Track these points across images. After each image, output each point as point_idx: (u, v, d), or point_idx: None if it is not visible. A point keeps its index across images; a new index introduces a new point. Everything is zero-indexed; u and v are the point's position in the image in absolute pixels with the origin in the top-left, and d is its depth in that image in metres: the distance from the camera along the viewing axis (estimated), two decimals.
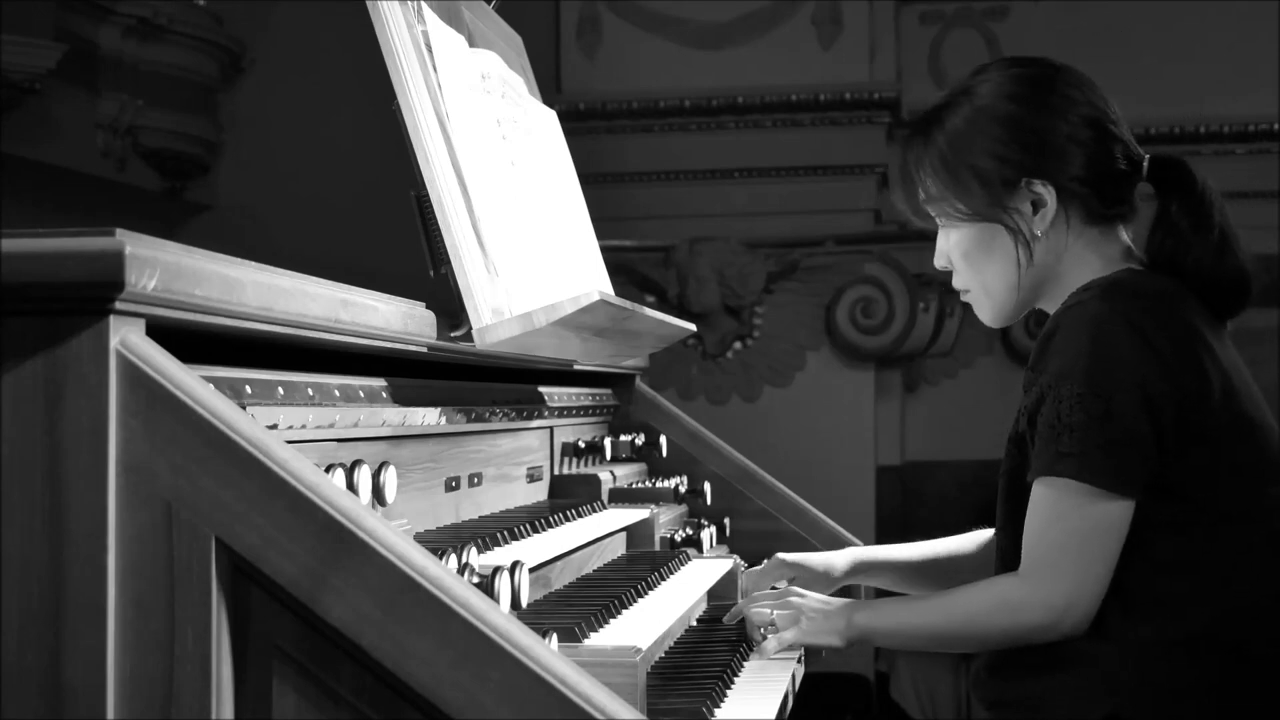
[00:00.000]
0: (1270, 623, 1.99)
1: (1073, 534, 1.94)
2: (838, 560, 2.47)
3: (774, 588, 2.41)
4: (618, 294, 2.47)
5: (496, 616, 1.22)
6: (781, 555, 2.48)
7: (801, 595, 2.26)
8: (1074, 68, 2.18)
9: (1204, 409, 1.97)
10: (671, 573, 2.45)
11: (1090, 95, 2.13)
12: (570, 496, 2.62)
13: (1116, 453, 1.93)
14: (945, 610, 2.09)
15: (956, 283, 2.23)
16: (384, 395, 1.83)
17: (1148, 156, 2.16)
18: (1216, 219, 2.11)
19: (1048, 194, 2.10)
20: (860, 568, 2.48)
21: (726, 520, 3.11)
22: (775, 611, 2.23)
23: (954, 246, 2.19)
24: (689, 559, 2.61)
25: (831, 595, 2.31)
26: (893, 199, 2.27)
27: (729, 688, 2.04)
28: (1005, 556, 2.11)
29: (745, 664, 2.20)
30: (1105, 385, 1.93)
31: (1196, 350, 2.00)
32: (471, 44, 2.52)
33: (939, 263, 2.24)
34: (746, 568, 2.79)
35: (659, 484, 2.96)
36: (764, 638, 2.22)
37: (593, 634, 1.87)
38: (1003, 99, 2.13)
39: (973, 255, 2.17)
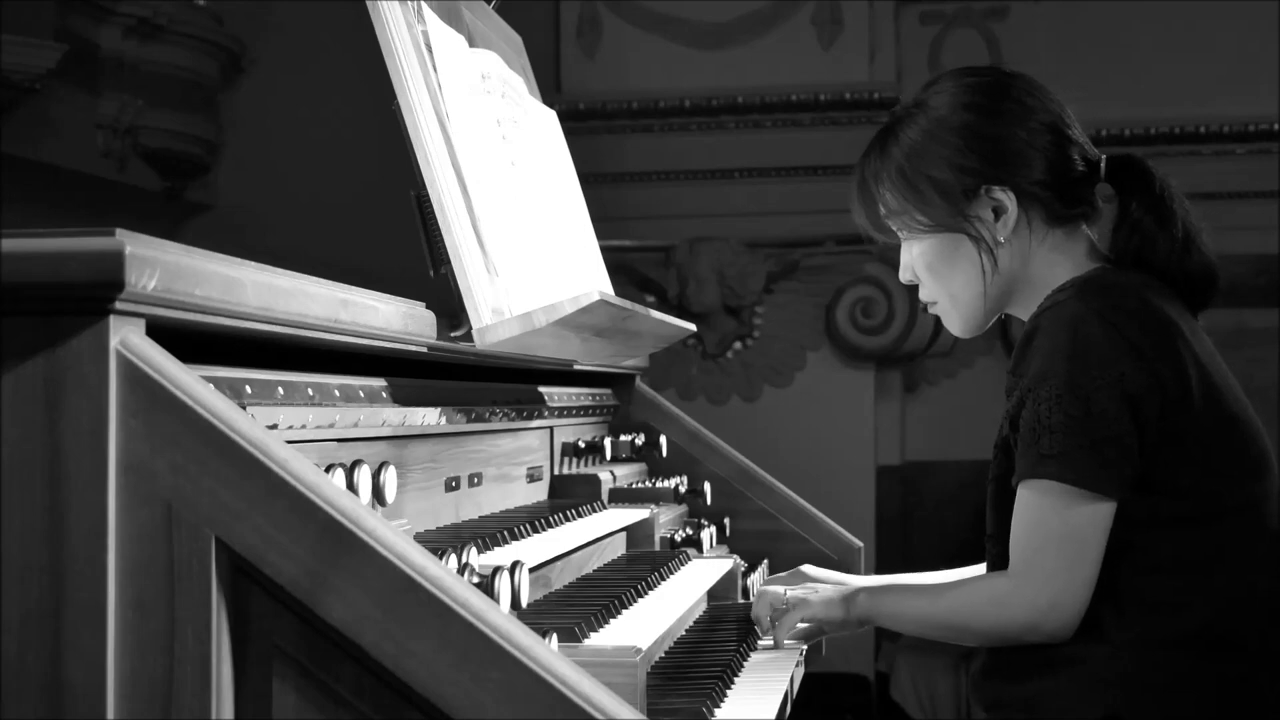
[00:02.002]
0: (1264, 618, 2.00)
1: (1057, 535, 1.95)
2: (857, 582, 2.49)
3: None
4: (618, 294, 2.47)
5: (496, 616, 1.22)
6: (805, 567, 2.51)
7: (814, 581, 2.37)
8: (1026, 74, 2.19)
9: (1185, 404, 1.97)
10: (671, 573, 2.45)
11: (1045, 100, 2.14)
12: (570, 496, 2.62)
13: (1098, 453, 1.93)
14: (938, 599, 2.12)
15: (923, 295, 2.24)
16: (384, 395, 1.83)
17: (1104, 156, 2.17)
18: (1179, 214, 2.12)
19: (1008, 200, 2.11)
20: None
21: (726, 520, 3.11)
22: (789, 591, 2.32)
23: (918, 259, 2.20)
24: (689, 559, 2.61)
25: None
26: (853, 216, 2.28)
27: (729, 687, 2.04)
28: (995, 562, 2.11)
29: (745, 663, 2.20)
30: (1084, 385, 1.93)
31: (1175, 344, 2.00)
32: (471, 44, 2.52)
33: (904, 276, 2.25)
34: (746, 568, 2.79)
35: (659, 484, 2.96)
36: (772, 625, 2.31)
37: (593, 634, 1.87)
38: (958, 109, 2.14)
39: (937, 267, 2.18)
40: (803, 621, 2.29)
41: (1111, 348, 1.95)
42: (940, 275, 2.18)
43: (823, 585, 2.35)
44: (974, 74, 2.21)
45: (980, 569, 2.29)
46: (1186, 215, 2.12)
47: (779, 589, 2.35)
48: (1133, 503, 1.96)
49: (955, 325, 2.23)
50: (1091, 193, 2.16)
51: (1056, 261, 2.12)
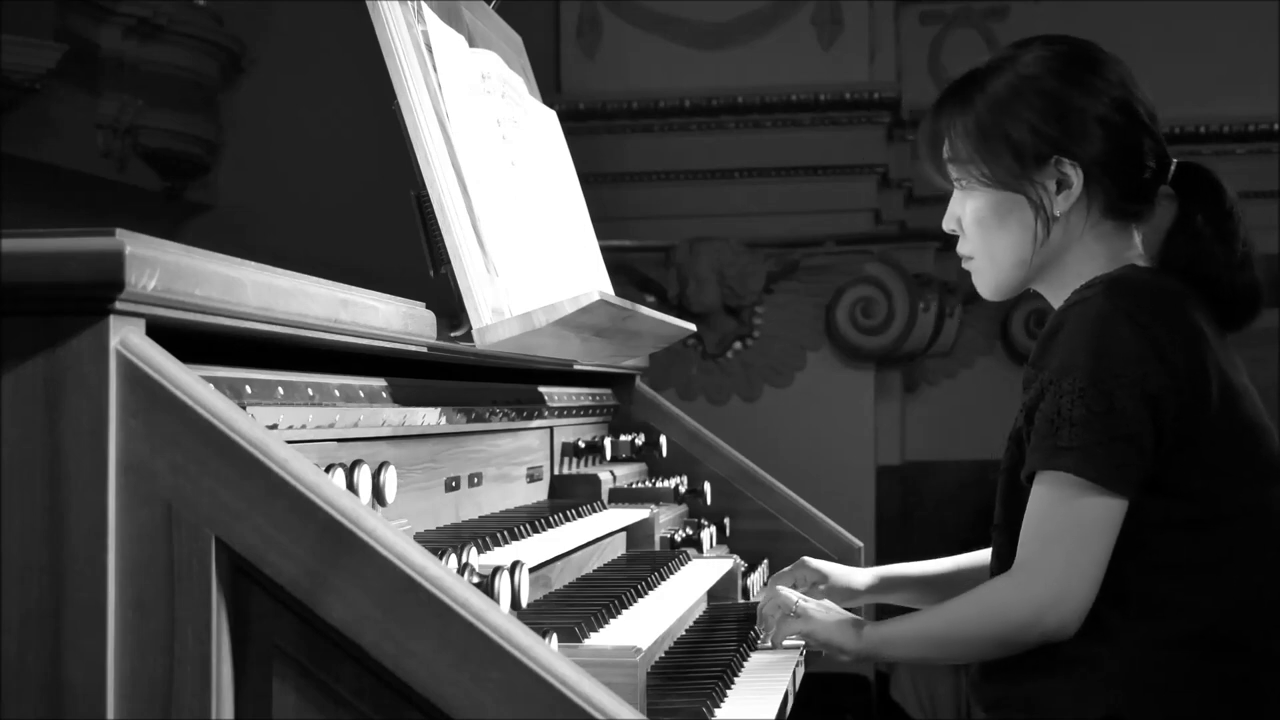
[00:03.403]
0: (1269, 620, 1.99)
1: (1065, 529, 1.94)
2: (859, 577, 2.49)
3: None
4: (618, 294, 2.47)
5: (496, 616, 1.22)
6: (807, 559, 2.50)
7: (816, 572, 2.37)
8: (1121, 59, 2.18)
9: (1203, 408, 1.97)
10: (671, 573, 2.45)
11: (1133, 88, 2.13)
12: (570, 496, 2.62)
13: (1117, 449, 1.92)
14: (938, 615, 2.09)
15: (962, 249, 2.22)
16: (384, 395, 1.83)
17: (1176, 161, 2.16)
18: (1241, 233, 2.11)
19: (1075, 176, 2.09)
20: (882, 584, 2.48)
21: (726, 520, 3.11)
22: (800, 601, 2.26)
23: (969, 212, 2.18)
24: (689, 559, 2.61)
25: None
26: (915, 154, 2.27)
27: (729, 687, 2.04)
28: (1002, 556, 2.10)
29: (745, 664, 2.20)
30: (1108, 381, 1.93)
31: (1199, 349, 2.00)
32: (471, 44, 2.52)
33: (947, 225, 2.23)
34: (746, 568, 2.79)
35: (659, 484, 2.96)
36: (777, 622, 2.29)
37: (593, 634, 1.87)
38: (1048, 73, 2.12)
39: (987, 222, 2.16)
40: (802, 637, 2.25)
41: (1136, 347, 1.95)
42: (989, 232, 2.16)
43: (835, 607, 2.29)
44: (1069, 43, 2.19)
45: (985, 554, 2.28)
46: (1247, 235, 2.13)
47: (792, 596, 2.29)
48: (1146, 504, 1.96)
49: (986, 286, 2.21)
50: (1154, 192, 2.15)
51: (1096, 253, 2.11)
